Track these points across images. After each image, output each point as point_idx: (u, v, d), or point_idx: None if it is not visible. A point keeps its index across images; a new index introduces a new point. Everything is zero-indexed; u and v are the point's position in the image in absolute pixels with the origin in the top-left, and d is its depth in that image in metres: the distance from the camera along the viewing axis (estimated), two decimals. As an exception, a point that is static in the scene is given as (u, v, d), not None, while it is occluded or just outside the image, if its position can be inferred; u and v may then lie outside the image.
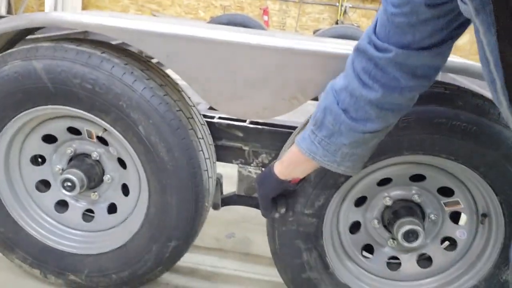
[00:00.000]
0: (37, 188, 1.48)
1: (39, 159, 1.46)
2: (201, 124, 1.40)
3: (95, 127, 1.33)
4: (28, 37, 1.51)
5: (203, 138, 1.33)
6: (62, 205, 1.49)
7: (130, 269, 1.40)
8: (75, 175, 1.34)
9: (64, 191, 1.35)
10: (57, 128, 1.38)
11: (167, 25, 1.18)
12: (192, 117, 1.32)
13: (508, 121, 0.74)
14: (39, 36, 1.51)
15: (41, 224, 1.48)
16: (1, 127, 1.31)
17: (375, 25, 0.88)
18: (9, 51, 1.23)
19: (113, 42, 1.37)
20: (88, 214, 1.50)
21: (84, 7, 5.24)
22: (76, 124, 1.36)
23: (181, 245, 1.37)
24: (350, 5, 4.94)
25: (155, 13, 5.21)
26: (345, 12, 4.89)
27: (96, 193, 1.44)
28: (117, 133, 1.24)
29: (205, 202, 1.33)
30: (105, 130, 1.31)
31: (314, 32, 4.02)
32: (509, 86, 0.67)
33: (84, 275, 1.44)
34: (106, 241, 1.45)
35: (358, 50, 0.92)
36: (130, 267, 1.40)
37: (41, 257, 1.46)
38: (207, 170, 1.31)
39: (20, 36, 1.45)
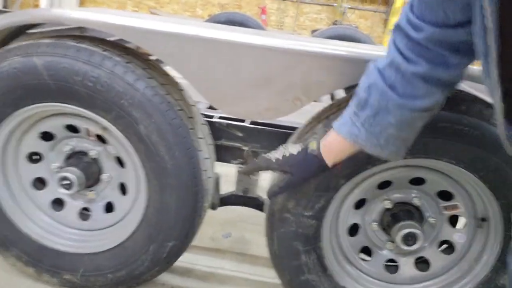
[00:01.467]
0: (33, 185, 1.46)
1: (36, 157, 1.44)
2: (202, 124, 1.39)
3: (94, 125, 1.32)
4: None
5: (203, 138, 1.32)
6: (58, 203, 1.47)
7: (127, 269, 1.39)
8: (73, 173, 1.32)
9: (61, 189, 1.34)
10: (55, 126, 1.36)
11: (170, 23, 1.16)
12: (193, 117, 1.31)
13: (493, 95, 0.75)
14: (36, 31, 1.48)
15: (37, 222, 1.46)
16: (-1, 123, 1.29)
17: (411, 4, 0.87)
18: (9, 47, 1.21)
19: (114, 40, 1.36)
20: (84, 213, 1.48)
21: (81, 3, 5.19)
22: (75, 122, 1.34)
23: (179, 245, 1.35)
24: (349, 6, 4.95)
25: (153, 10, 5.18)
26: (343, 12, 4.89)
27: (93, 191, 1.42)
28: (117, 131, 1.23)
29: (204, 202, 1.32)
30: (104, 128, 1.30)
31: (312, 32, 4.02)
32: (504, 57, 0.68)
33: (80, 274, 1.42)
34: (103, 240, 1.43)
35: (398, 29, 0.91)
36: (127, 266, 1.38)
37: (36, 256, 1.44)
38: (206, 170, 1.30)
39: (16, 32, 1.43)
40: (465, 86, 1.34)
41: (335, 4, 4.95)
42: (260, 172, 1.18)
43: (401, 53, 0.89)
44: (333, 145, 1.03)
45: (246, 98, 1.17)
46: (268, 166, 1.12)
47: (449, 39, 0.85)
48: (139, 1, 5.21)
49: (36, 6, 4.98)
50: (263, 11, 4.93)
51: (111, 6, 5.22)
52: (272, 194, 1.17)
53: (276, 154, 1.11)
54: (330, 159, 1.04)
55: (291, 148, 1.10)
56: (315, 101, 1.31)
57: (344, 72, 1.11)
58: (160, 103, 1.19)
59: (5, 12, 2.01)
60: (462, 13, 0.80)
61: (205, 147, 1.33)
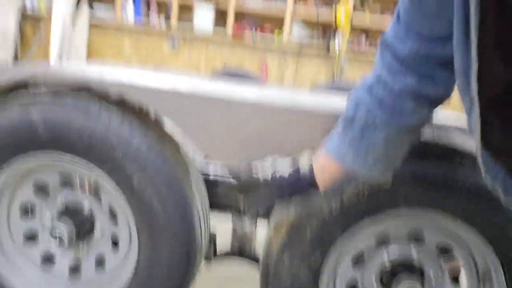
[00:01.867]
0: (24, 239, 1.44)
1: (29, 209, 1.44)
2: (197, 176, 1.39)
3: (89, 178, 1.32)
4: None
5: (197, 188, 1.32)
6: (48, 257, 1.44)
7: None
8: (65, 227, 1.31)
9: (52, 243, 1.32)
10: (50, 178, 1.37)
11: (166, 80, 1.21)
12: (188, 169, 1.32)
13: (471, 120, 0.73)
14: (40, 83, 1.53)
15: (26, 276, 1.42)
16: (-7, 175, 1.30)
17: (398, 15, 0.86)
18: (8, 98, 1.25)
19: (112, 94, 1.40)
20: (75, 267, 1.44)
21: (89, 55, 5.39)
22: (69, 175, 1.35)
23: (171, 303, 1.30)
24: (347, 62, 5.11)
25: (158, 65, 5.37)
26: (342, 68, 5.04)
27: (84, 245, 1.40)
28: (111, 184, 1.23)
29: (198, 257, 1.29)
30: (99, 181, 1.30)
31: (312, 86, 4.14)
32: (483, 72, 0.66)
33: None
34: (93, 297, 1.39)
35: (384, 43, 0.89)
36: (116, 325, 1.33)
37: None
38: (200, 223, 1.28)
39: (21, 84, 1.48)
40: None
41: (334, 60, 5.12)
42: (246, 190, 1.09)
43: (388, 68, 0.87)
44: (325, 167, 0.98)
45: (241, 153, 1.18)
46: (255, 185, 1.05)
47: (437, 53, 0.83)
48: (144, 56, 5.43)
49: (47, 56, 5.16)
50: (264, 67, 5.11)
51: (117, 60, 5.43)
52: (255, 214, 1.12)
53: (264, 172, 1.04)
54: (322, 182, 0.99)
55: (281, 166, 1.03)
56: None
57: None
58: (154, 156, 1.20)
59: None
60: (450, 25, 0.77)
61: (200, 199, 1.32)
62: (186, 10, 5.30)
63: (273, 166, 1.05)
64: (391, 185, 1.07)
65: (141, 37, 5.34)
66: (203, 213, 1.33)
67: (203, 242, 1.32)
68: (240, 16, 5.25)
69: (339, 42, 4.94)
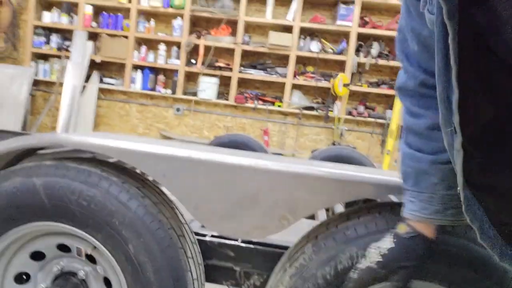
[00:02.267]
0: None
1: (24, 277, 1.42)
2: (192, 243, 1.39)
3: (85, 244, 1.32)
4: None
5: (192, 258, 1.31)
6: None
7: None
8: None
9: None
10: (47, 245, 1.36)
11: (162, 146, 1.26)
12: (183, 235, 1.32)
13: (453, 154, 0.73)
14: (46, 152, 1.58)
15: None
16: (-9, 242, 1.31)
17: (407, 54, 0.92)
18: (13, 167, 1.29)
19: (112, 161, 1.45)
20: None
21: (96, 125, 5.56)
22: (67, 241, 1.35)
23: None
24: (346, 128, 5.23)
25: (163, 132, 5.51)
26: (341, 134, 5.16)
27: (77, 315, 1.36)
28: (106, 250, 1.23)
29: (191, 328, 1.25)
30: (95, 247, 1.30)
31: (312, 152, 4.21)
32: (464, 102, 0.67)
33: None
34: None
35: (398, 89, 0.95)
36: None
37: None
38: (195, 292, 1.26)
39: (29, 152, 1.54)
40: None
41: (333, 126, 5.24)
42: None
43: (410, 112, 0.93)
44: (423, 229, 0.98)
45: (234, 217, 1.20)
46: (375, 275, 0.99)
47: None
48: (150, 124, 5.59)
49: (54, 128, 5.33)
50: (265, 132, 5.23)
51: (123, 129, 5.59)
52: None
53: (372, 259, 1.00)
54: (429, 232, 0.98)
55: (382, 244, 1.00)
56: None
57: (328, 191, 1.15)
58: (150, 222, 1.21)
59: (19, 134, 2.17)
60: None
61: (195, 267, 1.31)
62: (191, 79, 5.56)
63: (375, 250, 1.01)
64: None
65: (147, 103, 5.55)
66: (197, 280, 1.31)
67: (197, 312, 1.28)
68: (242, 85, 5.49)
69: (338, 109, 5.11)
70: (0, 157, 1.36)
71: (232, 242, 1.47)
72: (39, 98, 5.72)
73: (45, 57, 5.65)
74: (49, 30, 5.61)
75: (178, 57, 5.40)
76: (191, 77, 5.57)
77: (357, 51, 5.14)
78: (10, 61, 5.69)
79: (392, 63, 5.05)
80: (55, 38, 5.56)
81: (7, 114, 5.30)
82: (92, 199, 1.21)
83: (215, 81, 5.36)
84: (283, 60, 5.32)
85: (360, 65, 5.10)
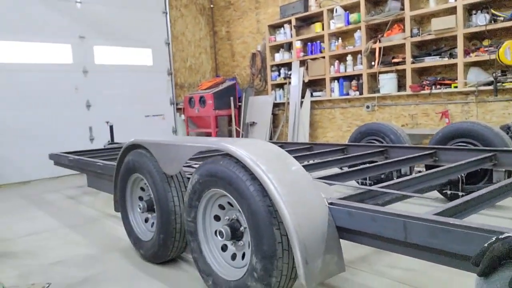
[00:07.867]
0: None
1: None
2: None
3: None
4: None
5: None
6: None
7: None
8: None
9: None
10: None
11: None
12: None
13: None
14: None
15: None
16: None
17: None
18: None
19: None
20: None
21: (314, 129, 6.82)
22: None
23: None
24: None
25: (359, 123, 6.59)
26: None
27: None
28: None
29: None
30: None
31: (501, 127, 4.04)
32: None
33: None
34: None
35: None
36: None
37: None
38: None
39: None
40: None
41: None
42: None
43: None
44: None
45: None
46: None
47: None
48: (350, 122, 6.32)
49: (287, 135, 7.30)
50: (445, 115, 5.25)
51: (332, 129, 6.61)
52: None
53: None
54: None
55: None
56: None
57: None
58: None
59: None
60: None
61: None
62: (374, 78, 6.44)
63: None
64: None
65: (346, 106, 6.84)
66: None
67: None
68: (424, 73, 5.88)
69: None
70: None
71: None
72: (279, 116, 8.06)
73: (278, 86, 7.93)
74: (278, 66, 7.87)
75: (361, 63, 6.43)
76: (374, 77, 6.43)
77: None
78: (264, 93, 8.32)
79: None
80: (282, 71, 7.75)
81: (260, 128, 7.92)
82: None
83: (391, 76, 6.04)
84: (455, 41, 5.38)
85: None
